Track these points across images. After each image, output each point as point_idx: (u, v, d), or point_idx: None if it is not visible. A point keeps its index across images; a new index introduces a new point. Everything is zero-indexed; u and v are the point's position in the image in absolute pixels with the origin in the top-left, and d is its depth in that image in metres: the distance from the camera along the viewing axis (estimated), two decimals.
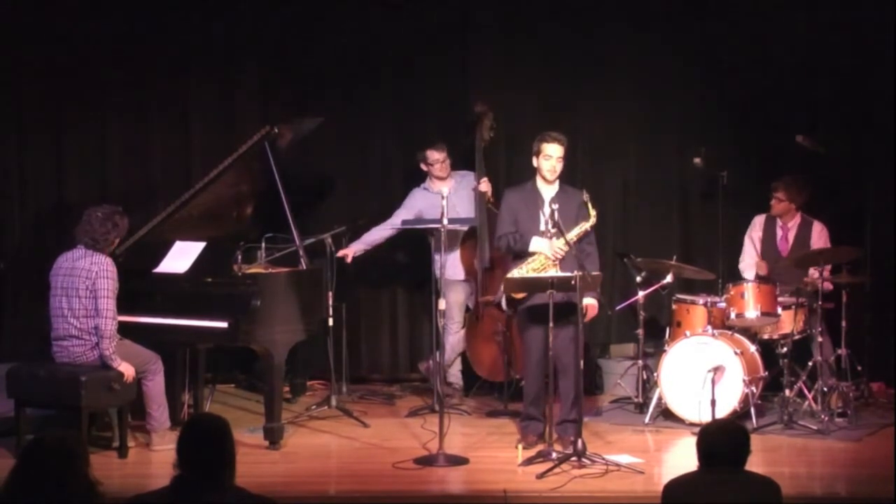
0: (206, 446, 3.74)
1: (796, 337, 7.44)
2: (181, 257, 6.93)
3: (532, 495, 5.85)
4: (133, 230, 7.03)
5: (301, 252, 7.03)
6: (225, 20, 8.47)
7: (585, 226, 6.64)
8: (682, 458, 6.30)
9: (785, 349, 7.35)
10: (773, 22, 8.46)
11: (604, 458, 6.20)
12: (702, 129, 8.56)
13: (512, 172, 8.30)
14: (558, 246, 6.56)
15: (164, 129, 8.53)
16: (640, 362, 7.76)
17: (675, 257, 7.79)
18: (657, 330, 8.02)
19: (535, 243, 6.64)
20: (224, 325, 6.63)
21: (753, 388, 7.15)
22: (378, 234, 8.12)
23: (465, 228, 7.95)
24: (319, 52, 8.56)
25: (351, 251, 8.01)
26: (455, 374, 8.27)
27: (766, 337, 7.51)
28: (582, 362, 6.45)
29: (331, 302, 7.68)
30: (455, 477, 6.25)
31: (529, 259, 6.65)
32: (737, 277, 7.80)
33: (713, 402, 6.90)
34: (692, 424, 6.97)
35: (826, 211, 8.01)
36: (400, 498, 5.90)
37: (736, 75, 8.55)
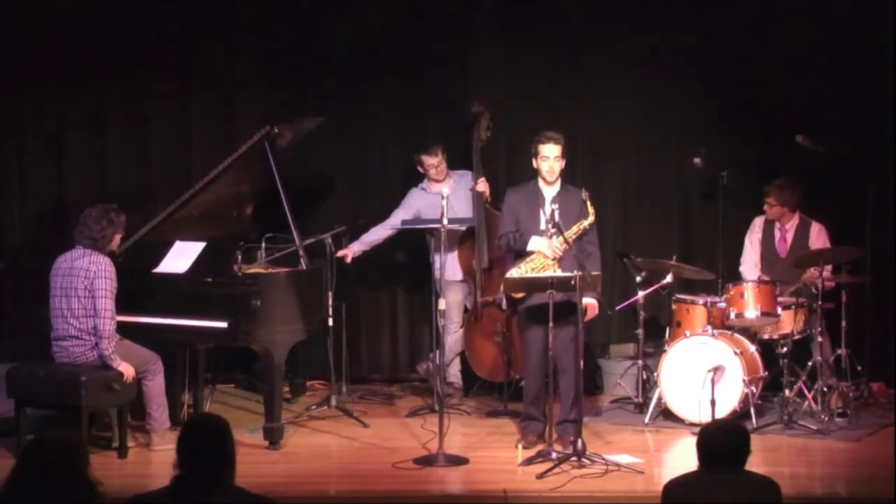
0: (206, 446, 3.74)
1: (796, 337, 7.43)
2: (181, 257, 6.93)
3: (532, 495, 5.85)
4: (133, 230, 7.03)
5: (301, 252, 7.03)
6: (225, 20, 8.47)
7: (584, 224, 6.64)
8: (682, 458, 6.30)
9: (785, 349, 7.35)
10: (773, 22, 8.46)
11: (604, 458, 6.20)
12: (702, 129, 8.56)
13: (511, 172, 8.30)
14: (557, 245, 6.56)
15: (164, 129, 8.53)
16: (640, 362, 7.76)
17: (675, 257, 7.79)
18: (657, 330, 8.02)
19: (534, 242, 6.64)
20: (224, 325, 6.63)
21: (753, 388, 7.15)
22: (377, 234, 8.12)
23: (464, 228, 7.95)
24: (319, 52, 8.56)
25: (350, 251, 8.01)
26: (455, 374, 8.27)
27: (766, 337, 7.51)
28: (582, 362, 6.45)
29: (331, 302, 7.68)
30: (455, 477, 6.25)
31: (528, 258, 6.66)
32: (737, 277, 7.80)
33: (713, 402, 6.90)
34: (692, 424, 6.97)
35: (826, 211, 8.00)
36: (400, 498, 5.90)
37: (736, 75, 8.54)
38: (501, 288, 6.81)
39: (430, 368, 7.93)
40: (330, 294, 7.68)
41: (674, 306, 7.72)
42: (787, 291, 7.51)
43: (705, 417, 6.83)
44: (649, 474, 6.14)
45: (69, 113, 8.38)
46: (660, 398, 7.34)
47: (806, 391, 7.31)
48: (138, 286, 6.85)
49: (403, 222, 7.88)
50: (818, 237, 7.82)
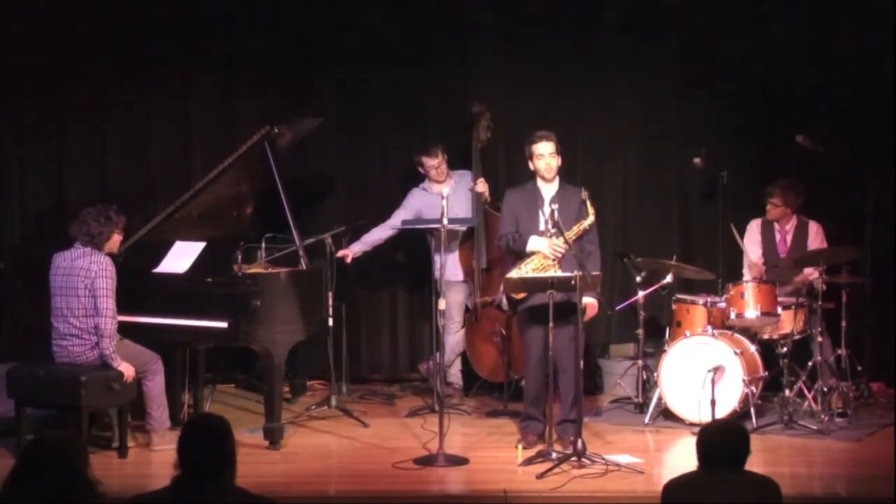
0: (206, 446, 3.74)
1: (796, 337, 7.43)
2: (181, 257, 6.93)
3: (532, 495, 5.85)
4: (133, 230, 7.03)
5: (301, 252, 7.03)
6: (225, 20, 8.46)
7: (584, 224, 6.64)
8: (682, 458, 6.30)
9: (785, 349, 7.35)
10: (773, 22, 8.46)
11: (604, 458, 6.20)
12: (702, 129, 8.56)
13: (511, 173, 8.29)
14: (556, 245, 6.57)
15: (164, 129, 8.53)
16: (640, 362, 7.76)
17: (675, 257, 7.79)
18: (657, 330, 8.02)
19: (533, 242, 6.64)
20: (224, 325, 6.63)
21: (753, 388, 7.15)
22: (378, 234, 8.12)
23: (464, 228, 7.95)
24: (319, 52, 8.56)
25: (351, 251, 8.01)
26: (455, 374, 8.28)
27: (766, 337, 7.51)
28: (582, 362, 6.45)
29: (331, 302, 7.68)
30: (455, 477, 6.25)
31: (528, 259, 6.66)
32: (737, 277, 7.80)
33: (713, 402, 6.90)
34: (692, 424, 6.97)
35: (826, 211, 8.01)
36: (400, 498, 5.90)
37: (736, 75, 8.55)
38: (501, 288, 6.80)
39: (431, 367, 7.93)
40: (330, 294, 7.68)
41: (674, 306, 7.72)
42: (783, 292, 7.50)
43: (705, 417, 6.83)
44: (649, 474, 6.14)
45: (69, 113, 8.38)
46: (660, 398, 7.34)
47: (806, 391, 7.31)
48: (138, 286, 6.85)
49: (404, 222, 7.87)
50: (816, 236, 7.82)
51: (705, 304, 7.48)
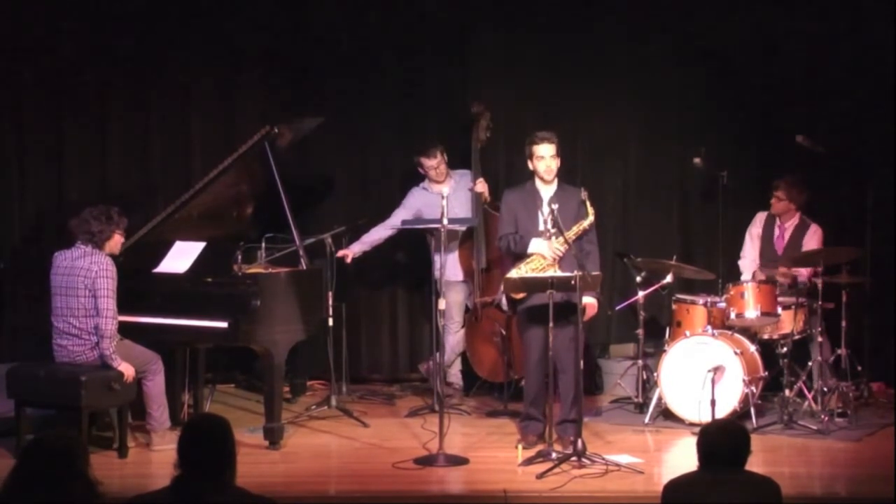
0: (206, 446, 3.74)
1: (796, 337, 7.43)
2: (181, 257, 6.93)
3: (532, 495, 5.85)
4: (133, 230, 7.03)
5: (301, 252, 7.03)
6: (225, 20, 8.47)
7: (584, 224, 6.64)
8: (682, 458, 6.30)
9: (785, 349, 7.35)
10: (773, 22, 8.45)
11: (604, 458, 6.20)
12: (702, 129, 8.56)
13: (511, 173, 8.29)
14: (556, 246, 6.57)
15: (164, 129, 8.53)
16: (640, 362, 7.76)
17: (675, 257, 7.79)
18: (657, 330, 8.02)
19: (534, 245, 6.64)
20: (224, 325, 6.63)
21: (753, 388, 7.15)
22: (378, 234, 8.12)
23: (464, 228, 7.95)
24: (319, 51, 8.56)
25: (351, 251, 8.01)
26: (455, 374, 8.28)
27: (766, 337, 7.51)
28: (582, 362, 6.45)
29: (331, 302, 7.68)
30: (455, 477, 6.25)
31: (527, 259, 6.66)
32: (737, 277, 7.80)
33: (713, 402, 6.90)
34: (692, 424, 6.97)
35: (826, 211, 8.01)
36: (400, 498, 5.90)
37: (735, 75, 8.55)
38: (501, 288, 6.80)
39: (432, 367, 7.93)
40: (330, 294, 7.68)
41: (674, 306, 7.72)
42: (786, 292, 7.50)
43: (705, 417, 6.83)
44: (649, 474, 6.14)
45: (69, 113, 8.37)
46: (660, 398, 7.34)
47: (806, 391, 7.31)
48: (138, 286, 6.85)
49: (404, 222, 7.87)
50: (812, 238, 7.81)
51: (705, 304, 7.48)
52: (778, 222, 7.94)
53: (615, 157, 8.78)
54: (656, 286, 7.74)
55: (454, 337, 8.13)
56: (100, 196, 7.64)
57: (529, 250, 6.65)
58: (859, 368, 7.68)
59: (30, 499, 3.54)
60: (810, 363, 7.32)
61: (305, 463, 6.55)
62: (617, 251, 8.53)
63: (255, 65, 8.61)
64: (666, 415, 7.34)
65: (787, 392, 7.25)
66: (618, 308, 8.00)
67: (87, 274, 6.47)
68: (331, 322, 7.70)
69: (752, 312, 7.29)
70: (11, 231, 8.34)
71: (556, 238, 6.57)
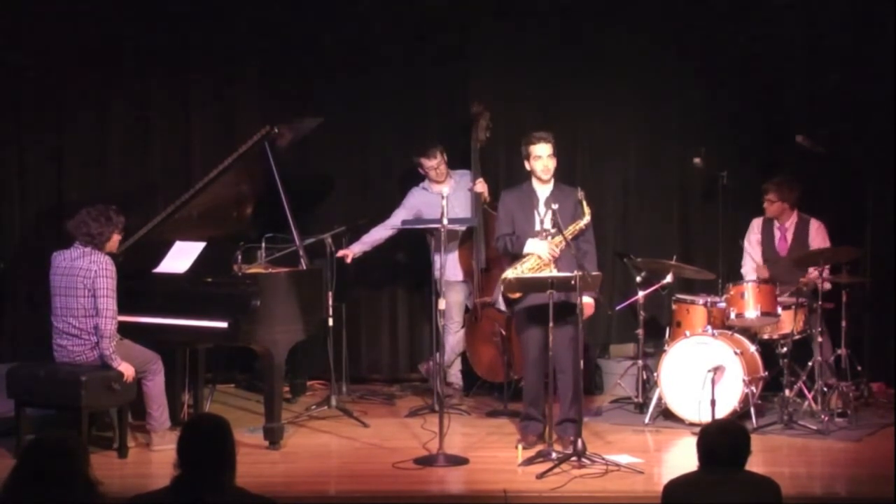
0: (206, 446, 3.74)
1: (796, 337, 7.43)
2: (181, 257, 6.93)
3: (532, 495, 5.85)
4: (133, 230, 7.03)
5: (301, 252, 7.03)
6: (225, 20, 8.47)
7: (580, 223, 6.64)
8: (682, 458, 6.30)
9: (785, 349, 7.35)
10: (773, 22, 8.46)
11: (604, 458, 6.20)
12: (702, 129, 8.56)
13: (511, 173, 8.29)
14: (552, 246, 6.57)
15: (164, 129, 8.54)
16: (640, 362, 7.76)
17: (675, 257, 7.79)
18: (657, 330, 8.02)
19: (530, 245, 6.65)
20: (224, 325, 6.63)
21: (753, 388, 7.15)
22: (378, 234, 8.12)
23: (464, 228, 7.95)
24: (319, 51, 8.56)
25: (351, 252, 8.01)
26: (455, 374, 8.28)
27: (766, 337, 7.51)
28: (582, 362, 6.44)
29: (331, 302, 7.68)
30: (455, 477, 6.25)
31: (524, 259, 6.66)
32: (737, 277, 7.80)
33: (713, 402, 6.90)
34: (692, 424, 6.97)
35: (826, 211, 8.00)
36: (400, 498, 5.90)
37: (736, 75, 8.55)
38: (499, 289, 6.79)
39: (432, 367, 7.93)
40: (330, 294, 7.68)
41: (674, 306, 7.72)
42: (786, 292, 7.50)
43: (705, 417, 6.83)
44: (649, 474, 6.14)
45: (69, 113, 8.38)
46: (660, 398, 7.34)
47: (806, 391, 7.31)
48: (138, 286, 6.85)
49: (404, 222, 7.88)
50: (817, 234, 7.81)
51: (705, 304, 7.48)
52: (777, 224, 7.94)
53: (615, 157, 8.78)
54: (656, 286, 7.74)
55: (454, 337, 8.14)
56: (100, 196, 7.63)
57: (525, 250, 6.65)
58: (859, 368, 7.69)
59: (30, 499, 3.54)
60: (810, 363, 7.31)
61: (305, 463, 6.55)
62: (617, 251, 8.54)
63: (256, 65, 8.60)
64: (666, 415, 7.34)
65: (787, 392, 7.24)
66: (618, 308, 8.00)
67: (86, 274, 6.47)
68: (331, 322, 7.70)
69: (752, 312, 7.29)
70: (11, 231, 8.34)
71: (553, 238, 6.57)
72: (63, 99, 8.35)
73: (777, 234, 7.95)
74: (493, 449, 6.78)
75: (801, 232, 7.86)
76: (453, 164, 8.14)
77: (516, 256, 6.70)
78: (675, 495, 4.13)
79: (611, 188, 8.74)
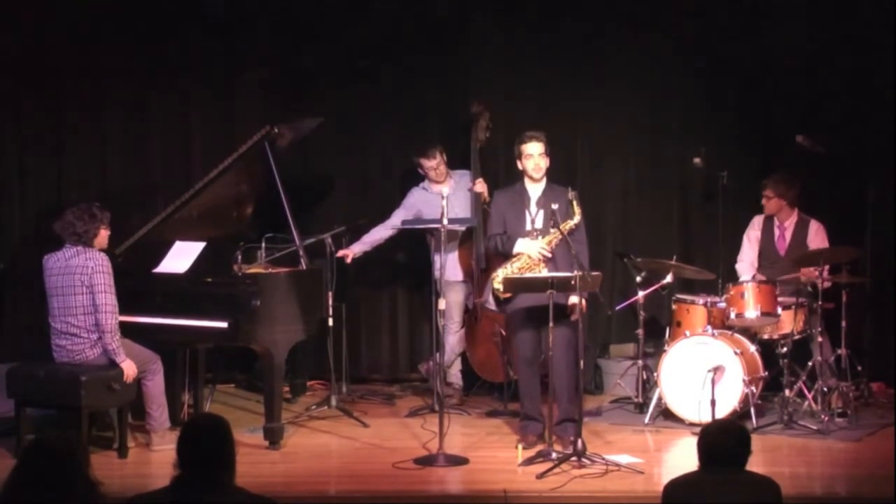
0: (206, 446, 3.74)
1: (796, 337, 7.43)
2: (181, 257, 6.94)
3: (532, 495, 5.85)
4: (133, 230, 7.03)
5: (301, 252, 7.03)
6: (225, 20, 8.47)
7: (570, 223, 6.62)
8: (682, 458, 6.31)
9: (785, 349, 7.35)
10: (773, 22, 8.46)
11: (604, 458, 6.20)
12: (702, 129, 8.57)
13: (510, 173, 8.25)
14: (543, 246, 6.58)
15: (164, 129, 8.54)
16: (640, 362, 7.76)
17: (675, 257, 7.79)
18: (657, 330, 8.02)
19: (520, 244, 6.66)
20: (224, 325, 6.63)
21: (753, 388, 7.15)
22: (378, 234, 8.12)
23: (464, 228, 7.95)
24: (319, 51, 8.56)
25: (351, 252, 8.02)
26: (455, 374, 8.27)
27: (766, 337, 7.51)
28: (582, 362, 6.44)
29: (331, 302, 7.68)
30: (455, 477, 6.25)
31: (514, 258, 6.67)
32: (736, 277, 7.80)
33: (713, 402, 6.90)
34: (692, 424, 6.97)
35: (826, 211, 8.00)
36: (400, 498, 5.90)
37: (736, 75, 8.55)
38: (494, 289, 6.77)
39: (432, 367, 7.93)
40: (330, 294, 7.68)
41: (674, 306, 7.72)
42: (786, 291, 7.49)
43: (705, 417, 6.83)
44: (649, 474, 6.14)
45: (69, 113, 8.38)
46: (660, 398, 7.34)
47: (806, 391, 7.31)
48: (138, 286, 6.85)
49: (404, 222, 7.88)
50: (816, 235, 7.81)
51: (705, 304, 7.48)
52: (777, 222, 7.94)
53: (615, 157, 8.78)
54: (656, 286, 7.74)
55: (454, 337, 8.13)
56: (100, 196, 7.63)
57: (515, 250, 6.67)
58: (859, 368, 7.68)
59: (30, 499, 3.54)
60: (810, 363, 7.31)
61: (305, 463, 6.55)
62: (617, 251, 8.54)
63: (256, 65, 8.59)
64: (666, 415, 7.34)
65: (787, 392, 7.24)
66: (618, 308, 8.00)
67: (83, 271, 6.46)
68: (331, 322, 7.70)
69: (752, 312, 7.29)
70: (11, 231, 8.34)
71: (543, 237, 6.58)
72: (63, 100, 8.35)
73: (776, 232, 7.95)
74: (492, 449, 6.78)
75: (800, 232, 7.86)
76: (453, 164, 8.14)
77: (507, 256, 6.71)
78: (676, 495, 4.13)
79: (611, 188, 8.74)
